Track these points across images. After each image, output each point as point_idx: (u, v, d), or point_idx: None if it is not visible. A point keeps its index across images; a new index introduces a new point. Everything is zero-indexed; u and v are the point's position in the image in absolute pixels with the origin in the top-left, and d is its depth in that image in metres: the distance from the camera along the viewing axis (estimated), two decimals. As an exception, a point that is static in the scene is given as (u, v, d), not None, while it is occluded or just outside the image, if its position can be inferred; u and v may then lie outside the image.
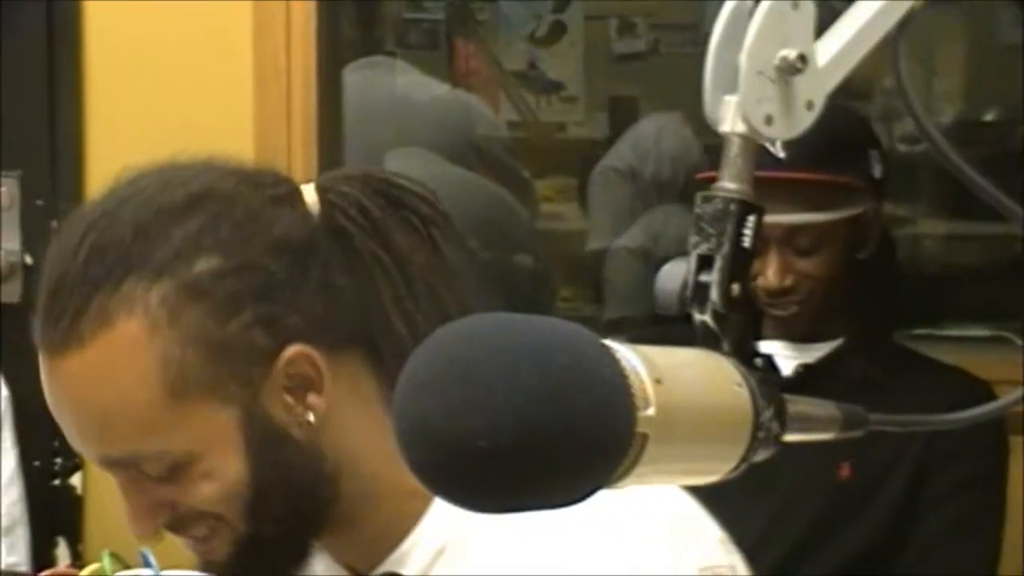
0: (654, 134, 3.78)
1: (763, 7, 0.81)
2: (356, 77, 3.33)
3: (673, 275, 0.79)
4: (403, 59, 3.80)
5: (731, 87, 0.80)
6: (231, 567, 1.11)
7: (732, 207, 0.77)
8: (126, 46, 2.84)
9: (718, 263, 0.76)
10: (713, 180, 0.82)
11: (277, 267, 1.10)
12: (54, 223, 2.76)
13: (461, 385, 0.65)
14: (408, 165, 3.36)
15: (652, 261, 3.53)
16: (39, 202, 2.77)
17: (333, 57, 2.96)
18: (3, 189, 2.76)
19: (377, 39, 3.97)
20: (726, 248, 0.77)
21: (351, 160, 3.04)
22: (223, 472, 1.08)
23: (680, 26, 4.22)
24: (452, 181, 3.39)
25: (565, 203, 4.06)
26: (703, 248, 0.77)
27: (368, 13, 3.90)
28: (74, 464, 2.83)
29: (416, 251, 1.15)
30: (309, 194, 1.16)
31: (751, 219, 0.77)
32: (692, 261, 0.78)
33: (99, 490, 2.83)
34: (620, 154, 3.80)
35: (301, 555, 1.14)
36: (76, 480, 2.84)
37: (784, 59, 0.80)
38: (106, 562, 2.17)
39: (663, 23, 4.32)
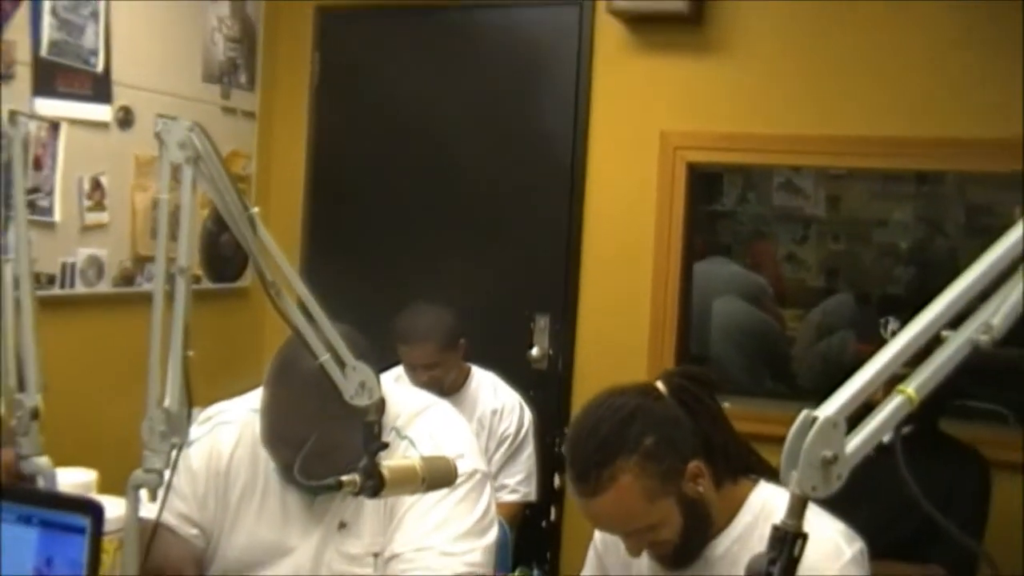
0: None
1: (816, 427, 1.04)
2: (704, 266, 4.69)
3: (759, 562, 1.14)
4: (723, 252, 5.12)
5: (796, 464, 1.07)
6: (672, 554, 1.81)
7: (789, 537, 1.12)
8: (608, 221, 3.76)
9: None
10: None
11: (676, 431, 1.72)
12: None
13: None
14: (729, 305, 4.85)
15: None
16: (557, 327, 3.89)
17: (691, 257, 4.01)
18: (539, 324, 3.83)
19: (716, 241, 5.23)
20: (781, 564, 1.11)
21: (697, 303, 4.08)
22: (673, 523, 1.77)
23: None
24: (750, 315, 4.90)
25: (798, 322, 5.28)
26: (770, 555, 1.13)
27: (709, 224, 5.11)
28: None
29: (710, 404, 1.81)
30: (660, 385, 1.78)
31: (799, 542, 1.12)
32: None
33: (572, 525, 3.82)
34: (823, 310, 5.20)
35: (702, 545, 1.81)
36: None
37: (824, 457, 1.03)
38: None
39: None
